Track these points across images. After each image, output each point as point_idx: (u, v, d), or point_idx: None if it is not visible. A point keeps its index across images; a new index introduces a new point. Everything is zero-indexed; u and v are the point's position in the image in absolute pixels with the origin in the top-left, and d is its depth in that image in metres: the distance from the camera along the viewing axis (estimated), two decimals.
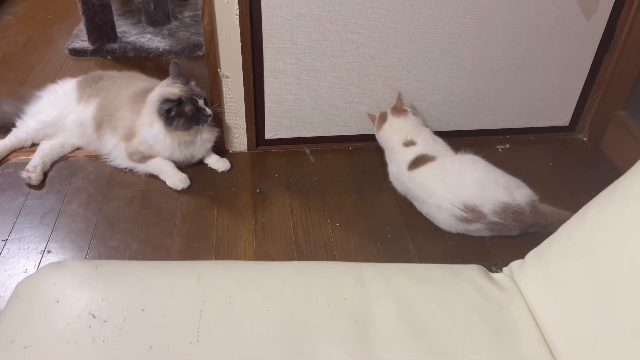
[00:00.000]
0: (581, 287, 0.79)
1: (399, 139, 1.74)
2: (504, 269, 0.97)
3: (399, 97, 1.82)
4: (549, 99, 2.00)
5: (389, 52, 1.80)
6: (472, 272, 0.92)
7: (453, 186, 1.56)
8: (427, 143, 1.71)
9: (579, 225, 0.83)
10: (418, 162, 1.66)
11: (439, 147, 1.71)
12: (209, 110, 1.73)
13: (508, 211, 1.52)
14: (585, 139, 2.07)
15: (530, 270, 0.90)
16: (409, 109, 1.80)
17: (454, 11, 1.73)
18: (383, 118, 1.82)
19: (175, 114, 1.68)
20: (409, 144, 1.72)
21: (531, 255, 0.93)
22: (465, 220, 1.55)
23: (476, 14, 1.75)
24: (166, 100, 1.66)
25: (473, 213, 1.53)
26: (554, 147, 2.04)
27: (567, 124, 2.08)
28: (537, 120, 2.05)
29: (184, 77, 1.76)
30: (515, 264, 0.95)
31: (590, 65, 1.93)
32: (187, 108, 1.69)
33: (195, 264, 0.90)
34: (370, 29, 1.73)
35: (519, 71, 1.91)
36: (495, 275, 0.94)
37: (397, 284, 0.88)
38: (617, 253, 0.76)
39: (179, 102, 1.67)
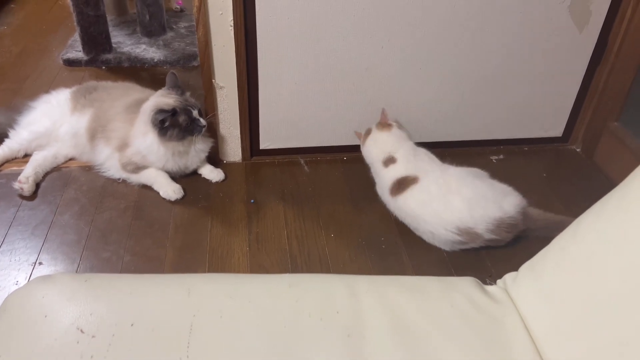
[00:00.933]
0: (575, 300, 0.79)
1: (378, 155, 1.70)
2: (498, 281, 0.97)
3: (383, 113, 1.78)
4: (542, 109, 2.01)
5: (383, 63, 1.80)
6: (466, 285, 0.91)
7: (442, 211, 1.51)
8: (408, 159, 1.65)
9: (573, 237, 0.83)
10: (401, 185, 1.60)
11: (422, 163, 1.64)
12: (203, 121, 1.72)
13: (502, 226, 1.49)
14: (578, 150, 2.07)
15: (524, 283, 0.90)
16: (394, 123, 1.77)
17: (447, 23, 1.74)
18: (367, 133, 1.79)
19: (169, 124, 1.67)
20: (388, 161, 1.67)
21: (525, 267, 0.93)
22: (460, 242, 1.53)
23: (469, 26, 1.75)
24: (160, 111, 1.65)
25: (468, 235, 1.50)
26: (547, 158, 2.04)
27: (560, 135, 2.08)
28: (531, 131, 2.06)
29: (180, 88, 1.76)
30: (509, 277, 0.95)
31: (583, 77, 1.94)
32: (181, 118, 1.69)
33: (186, 277, 0.89)
34: (364, 40, 1.74)
35: (512, 82, 1.91)
36: (490, 288, 0.93)
37: (391, 297, 0.87)
38: (611, 266, 0.76)
39: (173, 112, 1.67)
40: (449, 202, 1.51)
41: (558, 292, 0.82)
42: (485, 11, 1.73)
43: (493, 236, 1.50)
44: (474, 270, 1.51)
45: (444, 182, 1.56)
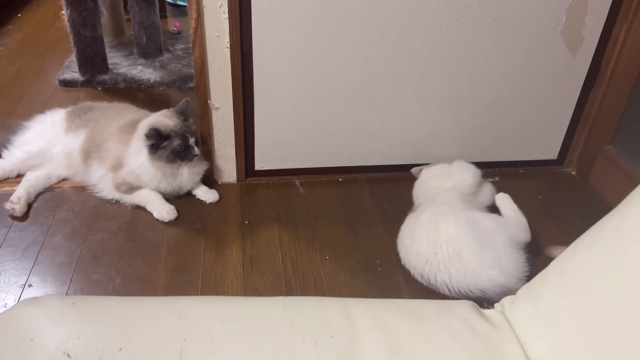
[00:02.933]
0: (574, 324, 0.77)
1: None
2: (496, 305, 0.95)
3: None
4: (537, 132, 2.01)
5: (378, 85, 1.81)
6: (463, 308, 0.90)
7: (411, 251, 1.50)
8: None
9: (571, 260, 0.82)
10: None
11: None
12: (197, 150, 1.72)
13: (470, 296, 1.39)
14: (573, 173, 2.07)
15: (522, 307, 0.88)
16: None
17: (443, 46, 1.75)
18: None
19: (162, 145, 1.67)
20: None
21: (523, 291, 0.91)
22: (428, 285, 1.49)
23: (464, 49, 1.77)
24: (155, 130, 1.65)
25: (430, 285, 1.47)
26: (543, 181, 2.04)
27: (555, 158, 2.09)
28: (526, 153, 2.06)
29: (185, 115, 1.75)
30: (506, 300, 0.93)
31: (577, 100, 1.95)
32: (176, 143, 1.68)
33: (176, 300, 0.87)
34: (360, 62, 1.75)
35: (507, 104, 1.92)
36: (487, 312, 0.92)
37: (387, 321, 0.85)
38: (610, 289, 0.74)
39: (166, 137, 1.67)
40: (417, 247, 1.48)
41: (557, 316, 0.80)
42: (480, 35, 1.75)
43: (450, 294, 1.43)
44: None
45: (430, 229, 1.48)
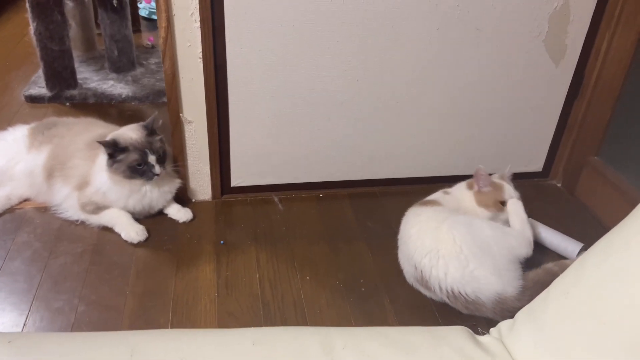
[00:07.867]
0: (582, 352, 0.69)
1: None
2: (492, 330, 0.87)
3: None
4: (521, 144, 1.97)
5: (358, 97, 1.75)
6: (456, 336, 0.81)
7: (415, 241, 1.43)
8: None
9: (577, 281, 0.74)
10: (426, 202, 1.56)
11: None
12: (157, 169, 1.61)
13: (460, 299, 1.35)
14: (559, 185, 2.03)
15: (522, 332, 0.80)
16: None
17: (424, 55, 1.70)
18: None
19: (119, 158, 1.58)
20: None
21: (522, 314, 0.83)
22: (417, 282, 1.44)
23: (446, 60, 1.72)
24: (113, 141, 1.57)
25: (422, 282, 1.41)
26: (528, 193, 1.97)
27: (540, 170, 2.05)
28: (511, 165, 2.00)
29: (151, 129, 1.66)
30: (504, 325, 0.85)
31: (560, 111, 1.92)
32: (132, 158, 1.58)
33: (130, 335, 0.76)
34: (338, 74, 1.69)
35: (490, 116, 1.88)
36: (483, 339, 0.83)
37: (372, 353, 0.76)
38: (621, 311, 0.67)
39: (123, 149, 1.58)
40: (422, 238, 1.42)
41: (562, 344, 0.72)
42: (461, 45, 1.70)
43: (446, 299, 1.38)
44: (461, 316, 1.41)
45: (436, 221, 1.44)
